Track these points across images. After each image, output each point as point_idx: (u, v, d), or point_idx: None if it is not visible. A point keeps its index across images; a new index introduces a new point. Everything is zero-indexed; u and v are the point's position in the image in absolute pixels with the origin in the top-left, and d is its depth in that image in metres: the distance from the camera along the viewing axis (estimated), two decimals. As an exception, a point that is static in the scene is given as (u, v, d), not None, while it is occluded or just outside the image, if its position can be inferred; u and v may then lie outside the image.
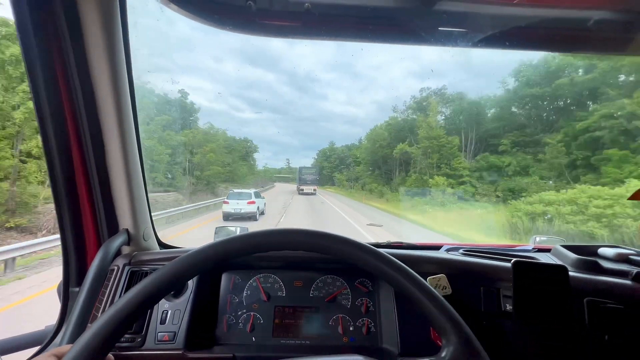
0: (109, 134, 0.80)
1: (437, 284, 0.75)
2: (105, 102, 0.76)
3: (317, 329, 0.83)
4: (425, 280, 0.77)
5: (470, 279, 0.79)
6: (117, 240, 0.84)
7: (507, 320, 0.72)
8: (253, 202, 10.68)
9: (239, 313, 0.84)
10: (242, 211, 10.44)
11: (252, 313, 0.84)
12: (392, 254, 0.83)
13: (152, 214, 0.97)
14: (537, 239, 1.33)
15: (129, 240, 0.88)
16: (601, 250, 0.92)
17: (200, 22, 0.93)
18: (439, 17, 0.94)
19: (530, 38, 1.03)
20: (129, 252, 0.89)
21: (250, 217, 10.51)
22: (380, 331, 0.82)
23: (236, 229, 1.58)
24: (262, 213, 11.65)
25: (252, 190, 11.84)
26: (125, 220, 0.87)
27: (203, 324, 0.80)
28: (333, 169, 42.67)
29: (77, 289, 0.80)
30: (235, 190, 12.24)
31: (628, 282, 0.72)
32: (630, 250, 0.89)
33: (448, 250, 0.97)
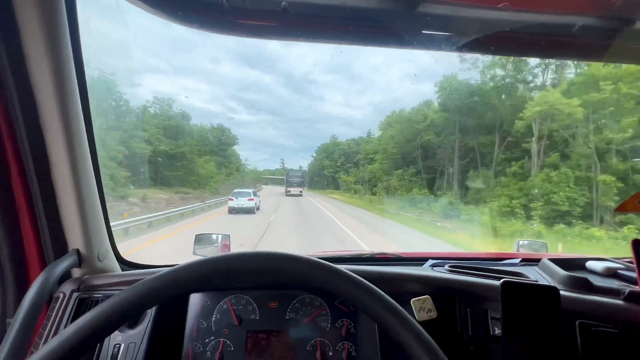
0: (52, 141, 0.70)
1: (421, 307, 0.70)
2: (47, 105, 0.67)
3: (294, 355, 0.76)
4: (410, 301, 0.72)
5: (457, 300, 0.74)
6: (64, 263, 0.73)
7: (496, 344, 0.68)
8: (252, 199, 13.64)
9: (207, 340, 0.76)
10: (244, 206, 13.40)
11: (221, 339, 0.76)
12: (369, 272, 0.78)
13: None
14: (520, 242, 1.31)
15: (80, 262, 0.78)
16: (589, 264, 0.89)
17: (165, 18, 0.86)
18: (422, 20, 0.91)
19: (514, 43, 1.01)
20: (79, 276, 0.79)
21: (249, 211, 13.35)
22: (362, 356, 0.76)
23: (217, 236, 1.49)
24: (257, 208, 14.16)
25: (250, 190, 15.57)
26: (75, 240, 0.76)
27: (164, 357, 0.71)
28: (337, 169, 34.19)
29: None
30: (238, 190, 14.94)
31: (620, 302, 0.68)
32: (618, 264, 0.87)
33: (433, 265, 0.92)
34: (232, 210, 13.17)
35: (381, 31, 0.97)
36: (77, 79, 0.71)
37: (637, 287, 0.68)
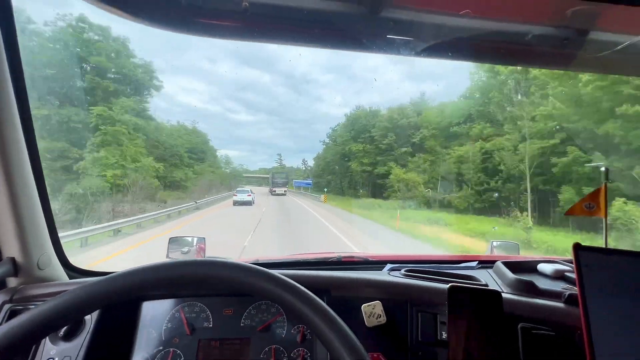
0: None
1: (371, 312, 0.70)
2: None
3: None
4: (360, 308, 0.72)
5: (409, 304, 0.74)
6: None
7: (444, 349, 0.69)
8: (250, 195, 18.37)
9: (155, 351, 0.74)
10: (245, 200, 18.05)
11: (170, 349, 0.74)
12: (320, 277, 0.77)
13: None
14: (495, 243, 1.35)
15: (16, 271, 0.73)
16: (540, 267, 0.92)
17: (122, 16, 0.82)
18: (385, 24, 0.91)
19: (475, 49, 1.03)
20: (14, 286, 0.75)
21: (248, 204, 17.77)
22: None
23: (193, 239, 1.45)
24: (253, 202, 18.33)
25: (249, 188, 21.43)
26: (9, 247, 0.72)
27: None
28: (379, 157, 19.48)
29: None
30: (240, 188, 20.79)
31: (560, 304, 0.71)
32: (567, 266, 0.90)
33: (391, 269, 0.93)
34: (236, 203, 17.70)
35: (345, 34, 0.97)
36: (11, 72, 0.67)
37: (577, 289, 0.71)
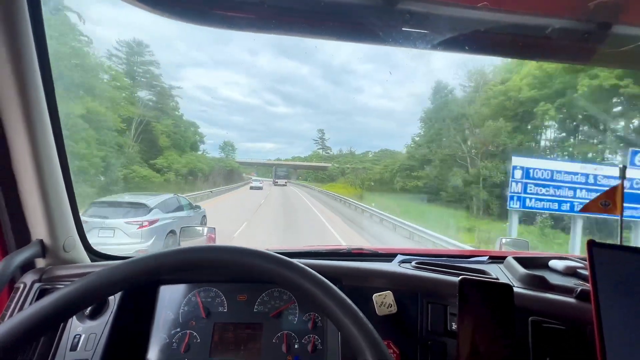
0: (11, 127, 0.67)
1: (382, 302, 0.71)
2: (3, 89, 0.64)
3: (260, 347, 0.77)
4: (371, 297, 0.73)
5: (419, 296, 0.76)
6: (24, 254, 0.72)
7: (452, 339, 0.70)
8: (262, 183, 28.57)
9: (173, 332, 0.77)
10: (258, 185, 27.54)
11: (188, 331, 0.77)
12: (335, 266, 0.80)
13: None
14: (503, 240, 1.34)
15: (44, 253, 0.77)
16: (552, 263, 0.92)
17: (137, 5, 0.84)
18: (401, 16, 0.90)
19: (492, 43, 1.01)
20: (42, 267, 0.79)
21: (260, 189, 25.81)
22: (326, 348, 0.77)
23: (203, 229, 1.49)
24: (261, 188, 26.36)
25: (261, 178, 32.44)
26: (38, 230, 0.75)
27: (126, 349, 0.72)
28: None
29: None
30: (255, 178, 30.36)
31: (572, 300, 0.71)
32: (579, 262, 0.90)
33: (401, 261, 0.94)
34: (252, 188, 26.71)
35: (361, 27, 0.97)
36: (40, 65, 0.69)
37: (589, 285, 0.71)
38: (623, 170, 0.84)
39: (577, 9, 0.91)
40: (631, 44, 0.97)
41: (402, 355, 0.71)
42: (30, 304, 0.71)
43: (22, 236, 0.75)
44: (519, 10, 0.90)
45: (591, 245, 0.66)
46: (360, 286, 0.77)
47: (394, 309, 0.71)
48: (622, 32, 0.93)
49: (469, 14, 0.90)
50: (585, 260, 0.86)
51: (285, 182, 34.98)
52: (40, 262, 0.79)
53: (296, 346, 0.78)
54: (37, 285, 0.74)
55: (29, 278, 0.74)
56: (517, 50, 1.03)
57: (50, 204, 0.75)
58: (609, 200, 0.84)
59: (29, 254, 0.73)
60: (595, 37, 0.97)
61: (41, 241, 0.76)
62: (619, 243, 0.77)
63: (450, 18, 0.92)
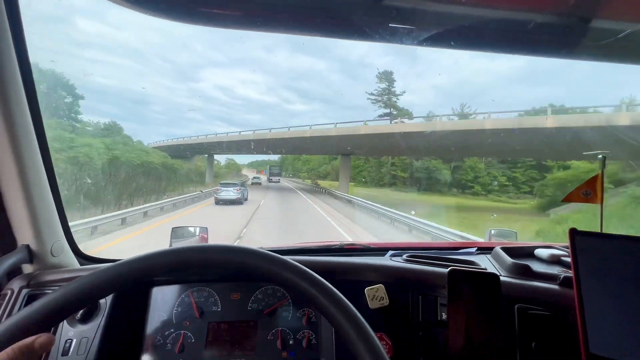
0: None
1: (374, 295, 0.73)
2: None
3: (254, 344, 0.78)
4: (363, 291, 0.74)
5: (410, 287, 0.77)
6: (10, 260, 0.70)
7: (442, 329, 0.72)
8: (260, 179, 27.37)
9: (167, 333, 0.77)
10: (257, 181, 26.30)
11: (182, 332, 0.77)
12: (324, 262, 0.81)
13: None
14: (492, 231, 1.37)
15: (31, 258, 0.76)
16: (537, 252, 0.95)
17: (119, 4, 0.82)
18: (388, 12, 0.91)
19: (478, 38, 1.03)
20: (30, 272, 0.77)
21: (259, 184, 24.61)
22: (321, 343, 0.78)
23: (195, 229, 1.47)
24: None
25: (259, 175, 31.41)
26: (24, 235, 0.74)
27: (119, 352, 0.72)
28: None
29: None
30: (254, 175, 28.31)
31: (556, 287, 0.74)
32: (563, 251, 0.93)
33: (392, 255, 0.95)
34: (253, 183, 26.71)
35: (347, 23, 0.97)
36: (20, 67, 0.67)
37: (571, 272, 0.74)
38: (603, 160, 0.87)
39: (558, 4, 0.93)
40: (611, 37, 0.99)
41: (394, 347, 0.73)
42: (19, 310, 0.69)
43: (8, 242, 0.73)
44: (503, 5, 0.91)
45: (573, 233, 0.69)
46: (352, 280, 0.78)
47: (385, 302, 0.73)
48: (601, 25, 0.95)
49: (454, 9, 0.91)
50: (569, 249, 0.89)
51: (278, 179, 38.90)
52: (28, 268, 0.77)
53: (291, 342, 0.78)
54: (25, 291, 0.72)
55: (16, 284, 0.73)
56: (501, 44, 1.05)
57: (36, 208, 0.73)
58: (590, 189, 0.86)
59: (15, 259, 0.71)
60: (576, 31, 0.99)
61: (27, 246, 0.74)
62: (599, 231, 0.80)
63: (436, 14, 0.93)
